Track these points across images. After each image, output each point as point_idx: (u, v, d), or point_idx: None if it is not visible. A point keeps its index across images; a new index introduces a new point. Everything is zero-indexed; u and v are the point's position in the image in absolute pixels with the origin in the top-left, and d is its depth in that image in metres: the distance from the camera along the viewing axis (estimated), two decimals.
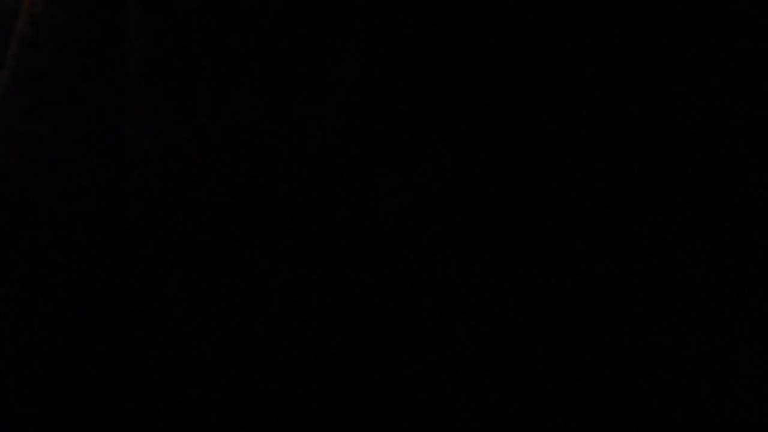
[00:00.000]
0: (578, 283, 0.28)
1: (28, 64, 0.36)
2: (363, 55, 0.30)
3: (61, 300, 0.36)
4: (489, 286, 0.29)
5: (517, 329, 0.28)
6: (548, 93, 0.29)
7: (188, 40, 0.33)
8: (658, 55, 0.29)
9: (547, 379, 0.28)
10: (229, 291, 0.32)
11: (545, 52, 0.29)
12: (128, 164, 0.34)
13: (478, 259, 0.29)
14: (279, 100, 0.31)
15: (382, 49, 0.30)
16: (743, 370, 0.27)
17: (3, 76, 0.38)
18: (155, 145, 0.33)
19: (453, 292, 0.29)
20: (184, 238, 0.33)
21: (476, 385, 0.29)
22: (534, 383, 0.28)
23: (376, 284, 0.29)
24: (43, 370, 0.37)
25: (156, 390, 0.34)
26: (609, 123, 0.28)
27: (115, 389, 0.37)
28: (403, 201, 0.29)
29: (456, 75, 0.29)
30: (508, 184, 0.29)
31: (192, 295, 0.33)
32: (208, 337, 0.33)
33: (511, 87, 0.29)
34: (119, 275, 0.36)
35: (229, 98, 0.32)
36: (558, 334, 0.28)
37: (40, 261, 0.36)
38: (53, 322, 0.37)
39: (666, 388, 0.27)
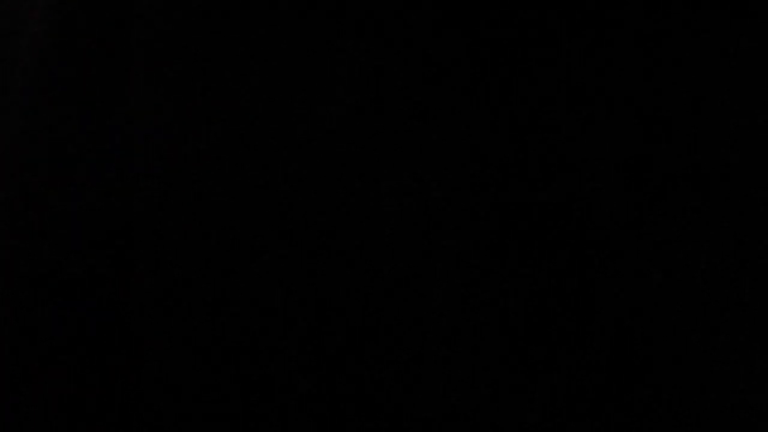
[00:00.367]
0: (580, 284, 0.28)
1: (38, 63, 0.36)
2: (364, 54, 0.30)
3: (63, 299, 0.37)
4: (490, 287, 0.29)
5: (518, 331, 0.28)
6: (551, 93, 0.29)
7: (192, 40, 0.33)
8: (663, 54, 0.29)
9: (547, 380, 0.28)
10: (230, 290, 0.32)
11: (548, 52, 0.29)
12: (132, 164, 0.35)
13: (480, 260, 0.29)
14: (280, 99, 0.31)
15: (384, 49, 0.30)
16: (746, 371, 0.27)
17: (14, 75, 0.38)
18: (158, 143, 0.34)
19: (454, 294, 0.29)
20: (186, 238, 0.33)
21: (477, 387, 0.29)
22: (535, 385, 0.28)
23: (378, 285, 0.29)
24: (46, 369, 0.37)
25: (158, 390, 0.34)
26: (613, 123, 0.28)
27: (117, 389, 0.37)
28: (404, 202, 0.29)
29: (459, 75, 0.29)
30: (510, 185, 0.29)
31: (194, 295, 0.33)
32: (210, 337, 0.33)
33: (514, 87, 0.29)
34: (122, 274, 0.36)
35: (230, 98, 0.32)
36: (559, 335, 0.28)
37: (43, 260, 0.37)
38: (55, 321, 0.37)
39: (668, 389, 0.27)
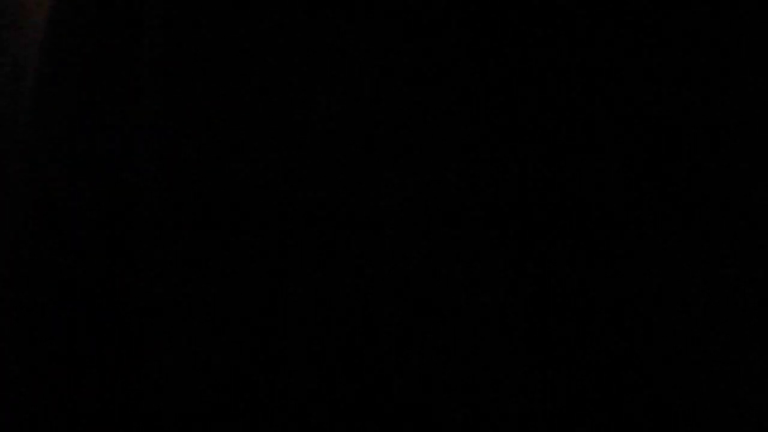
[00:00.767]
0: (582, 283, 0.28)
1: (48, 69, 0.37)
2: (364, 54, 0.30)
3: (68, 300, 0.37)
4: (491, 286, 0.29)
5: (519, 329, 0.28)
6: (553, 92, 0.29)
7: (199, 41, 0.33)
8: (667, 54, 0.29)
9: (548, 379, 0.28)
10: (232, 289, 0.32)
11: (551, 50, 0.29)
12: (137, 165, 0.35)
13: (482, 258, 0.29)
14: (284, 99, 0.31)
15: (386, 46, 0.30)
16: (746, 370, 0.27)
17: (27, 81, 0.38)
18: (164, 145, 0.34)
19: (455, 291, 0.29)
20: (189, 240, 0.33)
21: (477, 384, 0.29)
22: (535, 384, 0.28)
23: (378, 282, 0.29)
24: (47, 369, 0.38)
25: (159, 390, 0.34)
26: (615, 122, 0.28)
27: (117, 390, 0.37)
28: (405, 200, 0.29)
29: (461, 72, 0.29)
30: (511, 183, 0.29)
31: (197, 295, 0.33)
32: (213, 336, 0.33)
33: (517, 84, 0.29)
34: (125, 275, 0.36)
35: (234, 99, 0.32)
36: (560, 333, 0.28)
37: (46, 261, 0.37)
38: (57, 321, 0.37)
39: (669, 388, 0.27)
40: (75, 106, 0.36)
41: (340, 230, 0.30)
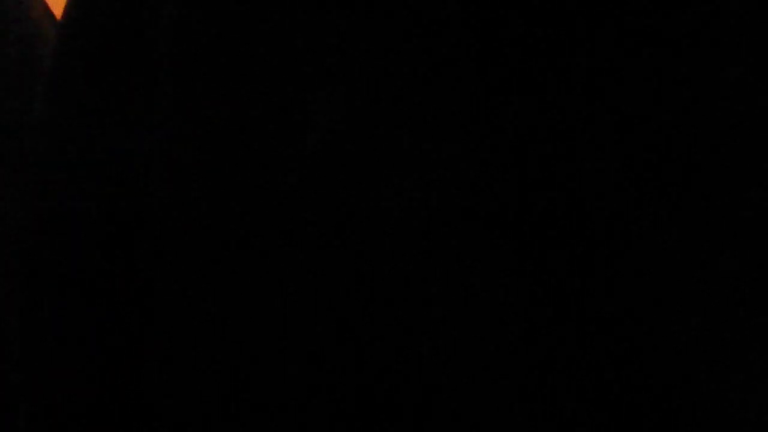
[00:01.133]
0: (580, 284, 0.28)
1: (62, 65, 0.37)
2: (365, 54, 0.30)
3: (71, 297, 0.38)
4: (491, 285, 0.29)
5: (519, 329, 0.29)
6: (551, 95, 0.29)
7: (208, 45, 0.34)
8: (664, 55, 0.29)
9: (547, 379, 0.28)
10: (233, 289, 0.32)
11: (548, 54, 0.30)
12: (144, 166, 0.36)
13: (480, 260, 0.29)
14: (282, 99, 0.32)
15: (386, 46, 0.30)
16: (744, 370, 0.27)
17: (42, 76, 0.39)
18: (173, 146, 0.34)
19: (454, 293, 0.29)
20: (192, 239, 0.34)
21: (477, 383, 0.29)
22: (534, 384, 0.28)
23: (378, 284, 0.30)
24: (54, 364, 0.38)
25: (161, 387, 0.35)
26: (613, 124, 0.29)
27: (120, 386, 0.38)
28: (404, 203, 0.30)
29: (460, 71, 0.29)
30: (509, 186, 0.29)
31: (199, 294, 0.33)
32: (215, 334, 0.33)
33: (514, 88, 0.29)
34: (129, 271, 0.36)
35: (233, 99, 0.32)
36: (559, 334, 0.28)
37: (54, 257, 0.38)
38: (62, 317, 0.38)
39: (667, 387, 0.28)
40: (86, 103, 0.37)
41: (341, 231, 0.31)
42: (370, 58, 0.31)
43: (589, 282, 0.28)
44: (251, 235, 0.32)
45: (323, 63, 0.31)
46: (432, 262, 0.30)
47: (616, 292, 0.28)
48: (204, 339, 0.34)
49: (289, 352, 0.31)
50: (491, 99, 0.29)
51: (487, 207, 0.29)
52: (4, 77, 0.52)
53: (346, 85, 0.31)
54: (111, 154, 0.36)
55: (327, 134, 0.31)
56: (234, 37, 0.34)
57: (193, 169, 0.33)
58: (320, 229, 0.31)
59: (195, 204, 0.34)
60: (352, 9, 0.31)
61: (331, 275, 0.30)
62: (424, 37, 0.31)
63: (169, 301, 0.35)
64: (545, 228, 0.29)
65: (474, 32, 0.30)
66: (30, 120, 0.47)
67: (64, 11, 0.38)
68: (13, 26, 0.52)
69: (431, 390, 0.29)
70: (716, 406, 0.28)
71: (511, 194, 0.29)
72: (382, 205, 0.30)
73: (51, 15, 0.56)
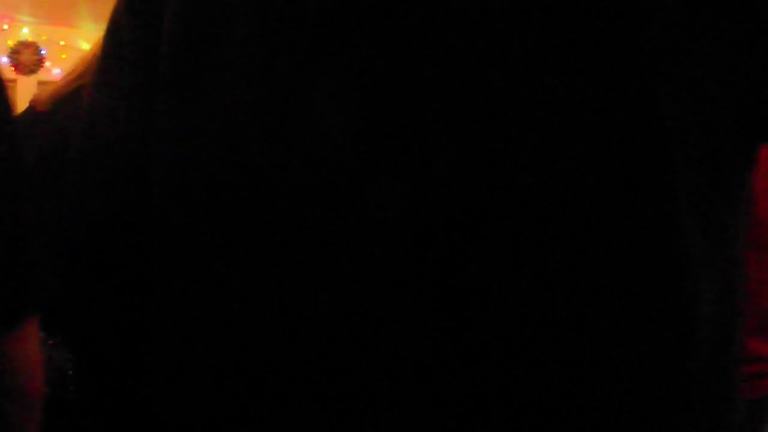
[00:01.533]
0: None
1: (99, 68, 0.42)
2: (360, 59, 0.32)
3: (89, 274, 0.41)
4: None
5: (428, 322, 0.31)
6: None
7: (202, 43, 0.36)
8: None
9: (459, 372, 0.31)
10: (230, 286, 0.34)
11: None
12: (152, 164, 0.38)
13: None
14: (281, 98, 0.33)
15: (381, 51, 0.31)
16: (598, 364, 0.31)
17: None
18: (178, 146, 0.37)
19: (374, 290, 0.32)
20: (191, 236, 0.35)
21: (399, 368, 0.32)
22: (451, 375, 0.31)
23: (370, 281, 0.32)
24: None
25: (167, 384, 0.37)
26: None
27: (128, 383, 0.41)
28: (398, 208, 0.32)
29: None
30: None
31: (197, 291, 0.35)
32: (215, 329, 0.34)
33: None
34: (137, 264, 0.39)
35: (232, 99, 0.34)
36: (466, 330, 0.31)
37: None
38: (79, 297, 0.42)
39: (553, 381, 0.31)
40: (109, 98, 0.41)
41: (339, 232, 0.32)
42: (366, 63, 0.32)
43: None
44: (250, 232, 0.33)
45: (321, 65, 0.32)
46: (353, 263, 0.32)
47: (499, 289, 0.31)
48: (208, 331, 0.34)
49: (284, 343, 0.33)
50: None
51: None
52: None
53: (344, 89, 0.31)
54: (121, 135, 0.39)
55: (328, 137, 0.31)
56: (234, 34, 0.35)
57: (197, 165, 0.35)
58: (318, 229, 0.32)
59: (197, 201, 0.35)
60: (350, 15, 0.32)
61: (326, 270, 0.32)
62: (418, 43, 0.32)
63: (168, 291, 0.37)
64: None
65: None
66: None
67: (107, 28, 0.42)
68: None
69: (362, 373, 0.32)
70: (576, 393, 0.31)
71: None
72: (376, 208, 0.32)
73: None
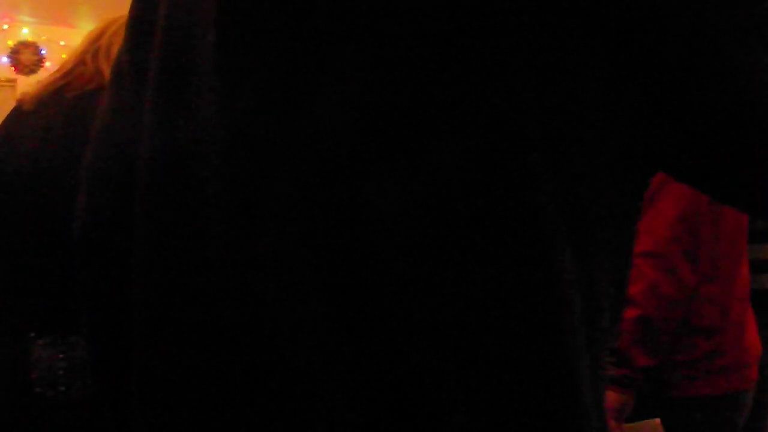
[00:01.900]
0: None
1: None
2: (361, 60, 0.31)
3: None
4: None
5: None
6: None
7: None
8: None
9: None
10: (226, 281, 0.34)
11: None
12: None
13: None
14: (281, 98, 0.32)
15: (379, 53, 0.31)
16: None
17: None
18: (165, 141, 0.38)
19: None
20: (188, 233, 0.35)
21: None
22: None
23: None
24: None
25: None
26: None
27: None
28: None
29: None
30: None
31: (195, 286, 0.35)
32: (215, 325, 0.34)
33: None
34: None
35: (229, 100, 0.34)
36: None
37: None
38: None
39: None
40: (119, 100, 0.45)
41: (338, 229, 0.32)
42: (368, 62, 0.31)
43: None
44: (247, 230, 0.33)
45: (321, 65, 0.32)
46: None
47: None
48: (206, 328, 0.35)
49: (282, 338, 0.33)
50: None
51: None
52: None
53: (343, 88, 0.31)
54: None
55: (326, 135, 0.31)
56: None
57: (196, 162, 0.35)
58: (317, 227, 0.32)
59: (194, 198, 0.35)
60: (351, 16, 0.32)
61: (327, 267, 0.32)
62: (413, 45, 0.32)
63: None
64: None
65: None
66: None
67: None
68: None
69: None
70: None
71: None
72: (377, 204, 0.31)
73: None
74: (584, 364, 0.31)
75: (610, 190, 0.32)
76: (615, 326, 0.36)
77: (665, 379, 0.98)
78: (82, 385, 0.82)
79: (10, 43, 4.06)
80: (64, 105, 0.87)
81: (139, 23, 0.42)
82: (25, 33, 4.09)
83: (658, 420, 0.77)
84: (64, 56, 4.04)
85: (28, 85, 3.80)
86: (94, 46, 0.89)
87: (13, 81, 3.91)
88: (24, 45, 4.07)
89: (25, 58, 4.06)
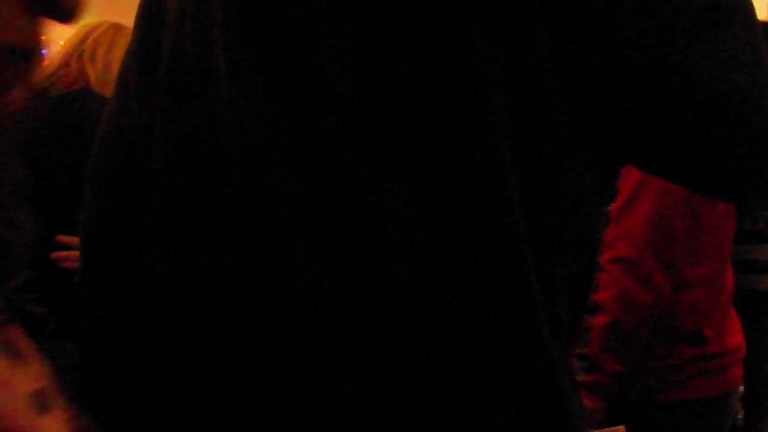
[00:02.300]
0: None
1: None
2: (356, 59, 0.32)
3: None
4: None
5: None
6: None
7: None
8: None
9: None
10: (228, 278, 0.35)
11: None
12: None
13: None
14: (282, 97, 0.33)
15: (374, 53, 0.31)
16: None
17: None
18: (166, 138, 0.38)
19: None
20: (188, 230, 0.36)
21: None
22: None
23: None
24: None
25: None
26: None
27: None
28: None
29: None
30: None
31: (198, 284, 0.36)
32: (216, 323, 0.35)
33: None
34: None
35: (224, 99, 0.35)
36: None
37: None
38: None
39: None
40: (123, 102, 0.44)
41: (338, 227, 0.34)
42: (362, 61, 0.32)
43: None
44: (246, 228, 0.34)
45: (320, 65, 0.33)
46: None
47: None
48: (208, 325, 0.36)
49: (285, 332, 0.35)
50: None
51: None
52: None
53: (339, 87, 0.32)
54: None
55: (325, 134, 0.32)
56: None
57: (195, 160, 0.35)
58: (316, 225, 0.33)
59: (194, 196, 0.36)
60: (347, 17, 0.33)
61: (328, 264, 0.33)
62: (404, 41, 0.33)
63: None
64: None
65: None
66: None
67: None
68: None
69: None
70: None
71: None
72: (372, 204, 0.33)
73: None
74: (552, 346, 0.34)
75: (576, 181, 0.34)
76: (577, 323, 0.38)
77: (650, 385, 0.98)
78: None
79: None
80: (48, 104, 0.89)
81: (148, 20, 0.42)
82: None
83: (622, 427, 0.77)
84: None
85: None
86: (79, 49, 0.91)
87: None
88: None
89: None
